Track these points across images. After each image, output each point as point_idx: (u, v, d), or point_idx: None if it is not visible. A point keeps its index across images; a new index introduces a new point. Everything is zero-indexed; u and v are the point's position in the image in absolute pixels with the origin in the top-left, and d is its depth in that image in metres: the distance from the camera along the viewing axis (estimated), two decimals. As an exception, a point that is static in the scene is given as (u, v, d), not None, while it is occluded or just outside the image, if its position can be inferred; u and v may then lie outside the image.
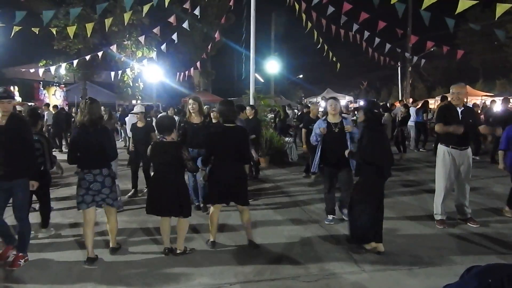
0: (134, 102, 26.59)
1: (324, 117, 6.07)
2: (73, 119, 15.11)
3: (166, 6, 10.15)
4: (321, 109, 9.57)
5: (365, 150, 4.69)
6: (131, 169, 7.82)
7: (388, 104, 17.86)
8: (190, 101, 6.52)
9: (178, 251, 4.74)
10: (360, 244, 4.82)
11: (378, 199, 4.72)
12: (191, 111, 6.43)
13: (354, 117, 13.20)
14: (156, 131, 5.38)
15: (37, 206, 5.82)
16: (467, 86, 26.49)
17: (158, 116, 8.82)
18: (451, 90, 5.77)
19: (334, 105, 5.81)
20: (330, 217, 5.95)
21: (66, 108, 22.53)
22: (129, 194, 7.54)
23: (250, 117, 8.83)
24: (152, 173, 5.17)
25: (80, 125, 4.43)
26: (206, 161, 4.94)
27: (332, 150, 5.71)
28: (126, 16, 11.06)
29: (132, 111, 8.04)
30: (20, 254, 4.47)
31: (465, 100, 6.14)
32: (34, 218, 5.40)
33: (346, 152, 5.28)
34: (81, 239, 5.04)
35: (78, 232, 5.46)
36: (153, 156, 4.69)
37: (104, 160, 4.52)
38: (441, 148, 5.75)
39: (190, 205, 4.82)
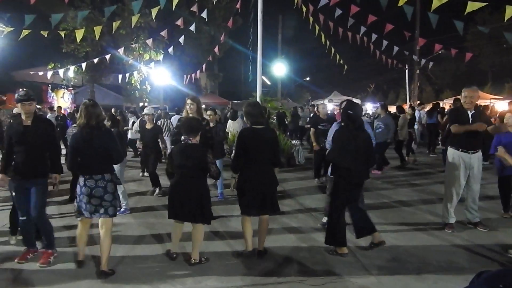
0: (141, 104, 26.74)
1: (339, 121, 6.00)
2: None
3: (173, 9, 10.19)
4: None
5: (334, 151, 4.78)
6: (145, 170, 7.89)
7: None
8: (188, 101, 6.20)
9: (193, 261, 4.50)
10: (333, 247, 4.81)
11: (343, 202, 4.75)
12: (189, 111, 6.13)
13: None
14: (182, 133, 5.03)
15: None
16: (476, 89, 26.28)
17: (179, 118, 8.74)
18: (463, 94, 5.66)
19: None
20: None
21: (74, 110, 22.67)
22: (156, 192, 7.70)
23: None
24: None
25: (81, 128, 4.20)
26: (237, 166, 4.63)
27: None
28: (134, 19, 11.12)
29: (144, 113, 8.13)
30: (50, 251, 4.64)
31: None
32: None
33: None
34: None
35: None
36: (177, 158, 4.46)
37: (106, 164, 4.27)
38: (451, 152, 5.69)
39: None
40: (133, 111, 15.66)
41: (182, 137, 4.58)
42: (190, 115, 6.05)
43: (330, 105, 25.62)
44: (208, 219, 4.52)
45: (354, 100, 32.01)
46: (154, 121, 8.38)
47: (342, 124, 4.86)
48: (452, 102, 14.12)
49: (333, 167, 4.84)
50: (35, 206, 4.47)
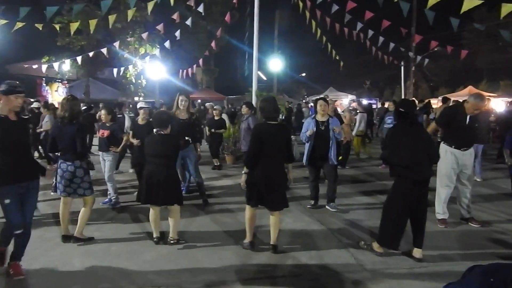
0: (136, 99, 26.66)
1: (313, 116, 6.63)
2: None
3: (172, 5, 10.16)
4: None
5: (386, 151, 4.62)
6: (136, 171, 7.39)
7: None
8: (181, 97, 6.69)
9: (172, 241, 4.92)
10: (388, 249, 4.62)
11: (411, 202, 4.48)
12: (181, 107, 6.67)
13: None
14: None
15: None
16: (470, 86, 26.36)
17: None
18: (471, 99, 5.54)
19: (323, 105, 6.41)
20: (312, 201, 6.69)
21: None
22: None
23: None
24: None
25: (61, 119, 4.83)
26: (253, 161, 4.56)
27: (318, 145, 6.36)
28: (130, 13, 11.07)
29: (140, 107, 7.88)
30: (19, 262, 4.14)
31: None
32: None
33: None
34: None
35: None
36: (150, 148, 4.91)
37: (76, 152, 4.79)
38: (444, 148, 5.74)
39: (181, 193, 5.11)
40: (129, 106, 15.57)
41: (154, 129, 5.00)
42: (181, 109, 6.70)
43: (346, 100, 25.73)
44: (181, 200, 4.99)
45: (350, 96, 31.94)
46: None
47: (395, 122, 4.81)
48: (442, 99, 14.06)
49: (390, 168, 4.68)
50: (30, 212, 4.21)
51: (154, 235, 5.03)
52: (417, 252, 4.55)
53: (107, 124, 6.78)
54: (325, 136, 6.30)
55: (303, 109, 17.66)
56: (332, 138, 6.32)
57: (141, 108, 7.51)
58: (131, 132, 7.38)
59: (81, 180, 4.86)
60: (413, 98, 24.13)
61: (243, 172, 4.67)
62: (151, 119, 8.88)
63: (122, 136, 6.93)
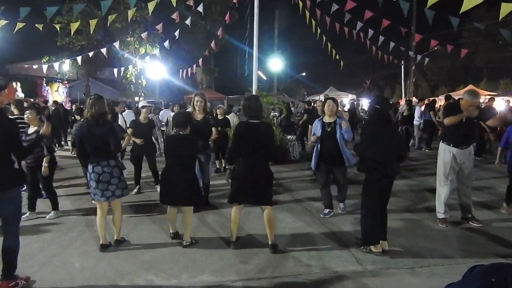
0: (136, 99, 26.66)
1: (320, 117, 6.33)
2: (72, 116, 14.89)
3: (175, 5, 10.16)
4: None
5: (363, 144, 4.71)
6: (136, 166, 7.73)
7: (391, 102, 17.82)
8: (197, 98, 6.39)
9: (185, 243, 4.88)
10: (366, 246, 4.71)
11: (381, 198, 4.68)
12: (197, 108, 6.36)
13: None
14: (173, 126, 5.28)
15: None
16: (470, 85, 26.36)
17: (173, 112, 8.84)
18: (464, 96, 5.58)
19: (331, 106, 6.06)
20: (326, 210, 6.18)
21: (69, 104, 22.57)
22: (134, 191, 7.53)
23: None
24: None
25: (87, 120, 4.62)
26: (232, 158, 4.80)
27: (326, 148, 6.02)
28: (130, 13, 11.06)
29: (141, 106, 7.99)
30: (12, 283, 3.80)
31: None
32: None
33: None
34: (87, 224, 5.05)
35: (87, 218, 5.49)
36: (169, 149, 4.91)
37: (109, 152, 4.64)
38: (442, 147, 5.75)
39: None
40: (129, 105, 15.54)
41: (174, 130, 4.97)
42: (197, 110, 6.37)
43: (346, 99, 25.70)
44: (197, 201, 5.01)
45: (350, 95, 31.95)
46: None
47: (370, 118, 4.92)
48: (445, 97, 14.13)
49: (362, 162, 4.76)
50: (8, 222, 3.79)
51: (171, 231, 5.18)
52: (385, 245, 4.74)
53: None
54: (332, 138, 5.96)
55: (292, 108, 17.60)
56: (340, 139, 5.95)
57: (143, 107, 7.78)
58: (130, 130, 7.48)
59: (119, 180, 4.74)
60: (413, 97, 24.18)
61: (227, 167, 4.83)
62: (152, 118, 9.03)
63: (123, 135, 6.94)
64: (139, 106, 8.12)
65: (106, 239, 4.86)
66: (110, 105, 8.20)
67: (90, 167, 4.67)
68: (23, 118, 5.91)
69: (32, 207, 6.14)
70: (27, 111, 5.82)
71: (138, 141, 7.29)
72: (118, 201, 4.90)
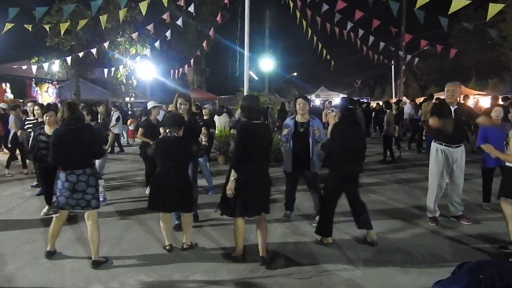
0: (127, 99, 26.50)
1: (292, 116, 5.98)
2: None
3: (166, 6, 10.12)
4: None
5: (331, 143, 4.92)
6: (148, 164, 7.50)
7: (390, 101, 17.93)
8: (180, 100, 5.42)
9: (186, 246, 4.77)
10: (325, 237, 4.95)
11: (341, 193, 4.92)
12: (180, 112, 5.39)
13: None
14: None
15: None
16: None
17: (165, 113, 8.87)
18: (445, 88, 5.79)
19: (302, 104, 5.70)
20: (288, 212, 6.11)
21: (59, 105, 22.34)
22: (147, 192, 7.49)
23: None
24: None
25: (62, 123, 4.31)
26: (239, 162, 4.26)
27: (296, 150, 5.67)
28: (121, 13, 10.99)
29: (151, 106, 8.11)
30: None
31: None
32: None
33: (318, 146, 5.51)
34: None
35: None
36: (159, 151, 4.60)
37: (88, 159, 4.43)
38: (434, 146, 5.80)
39: (193, 199, 4.87)
40: (117, 106, 15.46)
41: (167, 131, 4.66)
42: (182, 113, 5.42)
43: (337, 99, 25.77)
44: (189, 208, 4.73)
45: (341, 95, 32.12)
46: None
47: (341, 119, 4.95)
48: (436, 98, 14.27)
49: (327, 159, 4.91)
50: None
51: (166, 243, 4.76)
52: (373, 234, 4.94)
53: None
54: (303, 139, 5.62)
55: (287, 109, 17.53)
56: (312, 142, 5.61)
57: (154, 107, 7.96)
58: (142, 130, 7.56)
59: (95, 190, 4.40)
60: (404, 97, 24.35)
61: (232, 178, 4.23)
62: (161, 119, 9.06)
63: (108, 133, 6.96)
64: (149, 107, 8.29)
65: (54, 246, 4.62)
66: (89, 105, 8.13)
67: (63, 175, 4.28)
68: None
69: (49, 201, 5.75)
70: (47, 114, 5.88)
71: (150, 142, 7.40)
72: (94, 213, 4.41)
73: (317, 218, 5.53)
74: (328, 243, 4.90)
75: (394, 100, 19.02)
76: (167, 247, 4.76)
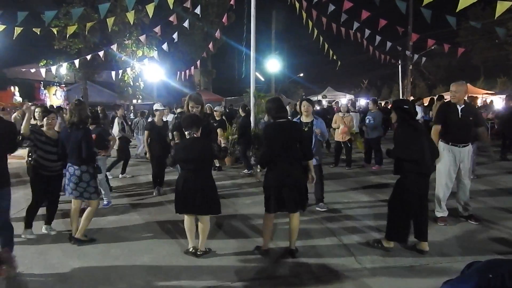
0: (134, 101, 26.66)
1: (298, 117, 6.60)
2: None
3: (171, 8, 10.17)
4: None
5: (399, 147, 4.68)
6: (156, 167, 7.70)
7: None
8: (191, 103, 5.30)
9: (199, 252, 4.63)
10: (401, 243, 4.79)
11: (419, 196, 4.66)
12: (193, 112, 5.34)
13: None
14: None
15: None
16: (468, 84, 26.42)
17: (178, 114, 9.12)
18: (450, 88, 5.78)
19: (307, 106, 6.36)
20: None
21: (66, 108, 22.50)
22: (155, 193, 7.64)
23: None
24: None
25: (69, 125, 5.01)
26: (267, 161, 4.51)
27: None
28: (130, 16, 11.03)
29: (155, 109, 8.31)
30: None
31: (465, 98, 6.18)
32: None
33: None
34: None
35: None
36: (183, 152, 4.55)
37: (81, 158, 4.92)
38: (441, 145, 5.76)
39: (219, 201, 4.70)
40: (144, 112, 14.74)
41: (186, 132, 4.58)
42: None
43: (344, 99, 25.69)
44: (216, 210, 4.63)
45: (348, 95, 31.87)
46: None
47: (400, 120, 4.79)
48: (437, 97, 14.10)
49: (398, 165, 4.73)
50: None
51: (190, 245, 4.71)
52: (424, 245, 4.70)
53: (91, 128, 6.65)
54: (308, 137, 6.09)
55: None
56: (315, 139, 6.26)
57: (156, 110, 8.09)
58: (147, 133, 7.69)
59: (87, 185, 5.03)
60: (411, 97, 24.22)
61: (258, 170, 4.70)
62: (166, 120, 9.13)
63: (109, 138, 6.97)
64: (154, 109, 8.46)
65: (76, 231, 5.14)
66: (96, 109, 8.21)
67: (67, 165, 5.06)
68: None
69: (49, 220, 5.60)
70: (48, 116, 5.69)
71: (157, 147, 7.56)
72: (94, 203, 5.14)
73: (320, 204, 6.45)
74: (389, 247, 4.75)
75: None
76: (191, 250, 4.67)
